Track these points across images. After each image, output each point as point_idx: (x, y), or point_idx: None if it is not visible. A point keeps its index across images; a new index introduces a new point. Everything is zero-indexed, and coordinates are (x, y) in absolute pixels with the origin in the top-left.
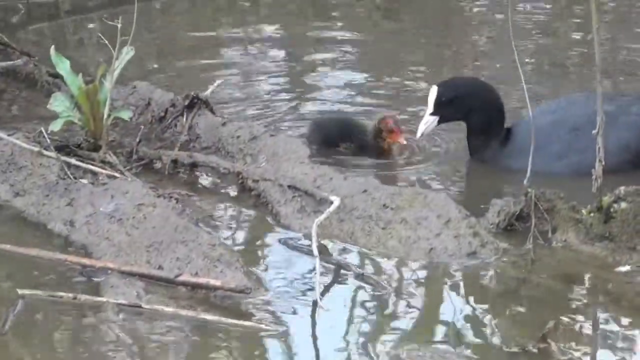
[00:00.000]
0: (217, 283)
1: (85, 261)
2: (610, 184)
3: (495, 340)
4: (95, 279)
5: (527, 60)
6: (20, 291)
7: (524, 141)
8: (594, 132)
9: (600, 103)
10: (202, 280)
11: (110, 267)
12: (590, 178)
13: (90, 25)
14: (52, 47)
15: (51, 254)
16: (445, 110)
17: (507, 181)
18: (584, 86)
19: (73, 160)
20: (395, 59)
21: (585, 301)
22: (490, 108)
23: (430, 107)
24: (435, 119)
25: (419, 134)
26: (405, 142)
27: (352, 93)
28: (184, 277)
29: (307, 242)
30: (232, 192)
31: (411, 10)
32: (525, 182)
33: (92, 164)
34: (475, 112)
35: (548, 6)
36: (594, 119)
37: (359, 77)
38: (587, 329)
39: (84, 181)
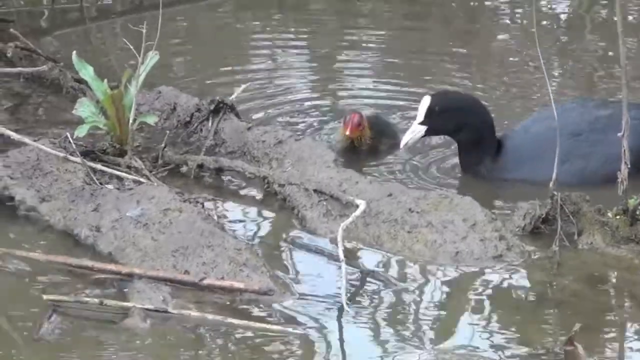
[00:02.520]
0: (241, 285)
1: (112, 267)
2: (632, 187)
3: (522, 342)
4: (122, 284)
5: (552, 61)
6: (45, 296)
7: (517, 151)
8: (619, 134)
9: (626, 105)
10: (226, 283)
11: (136, 273)
12: (593, 183)
13: (116, 31)
14: (74, 52)
15: (78, 261)
16: (434, 121)
17: (503, 194)
18: (609, 89)
19: (99, 166)
20: (421, 60)
21: (611, 304)
22: (481, 124)
23: (420, 116)
24: (423, 129)
25: (403, 143)
26: (347, 134)
27: (380, 95)
28: (208, 281)
29: (333, 246)
30: (258, 196)
31: (435, 11)
32: (551, 185)
33: (118, 169)
34: (466, 127)
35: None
36: (594, 124)
37: (385, 80)
38: (613, 331)
39: (110, 186)
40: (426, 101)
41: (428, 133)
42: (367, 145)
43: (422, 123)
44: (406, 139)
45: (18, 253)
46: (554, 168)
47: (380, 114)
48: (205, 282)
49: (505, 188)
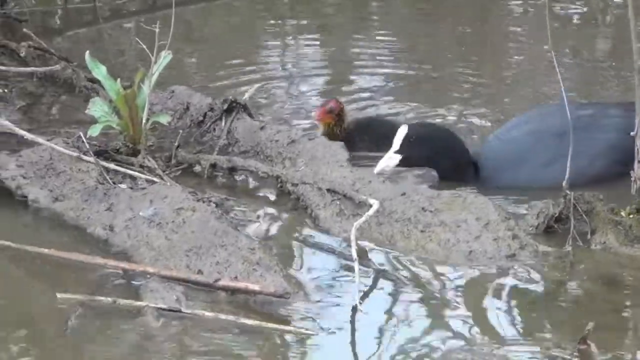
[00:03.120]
0: (256, 287)
1: (125, 265)
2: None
3: (535, 342)
4: (135, 283)
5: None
6: (59, 295)
7: (494, 162)
8: (632, 133)
9: (639, 105)
10: (241, 284)
11: (150, 272)
12: (581, 183)
13: (128, 30)
14: (87, 52)
15: (90, 258)
16: (409, 151)
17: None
18: (621, 86)
19: (112, 165)
20: (435, 57)
21: (625, 303)
22: (455, 156)
23: (396, 145)
24: (398, 158)
25: (377, 169)
26: (316, 119)
27: (392, 97)
28: (223, 282)
29: (346, 245)
30: (271, 195)
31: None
32: (564, 184)
33: (131, 169)
34: (440, 162)
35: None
36: (576, 123)
37: (399, 80)
38: (627, 330)
39: (123, 186)
40: (403, 130)
41: (403, 164)
42: (344, 135)
43: (397, 152)
44: (381, 165)
45: (30, 249)
46: (535, 171)
47: (375, 117)
48: (220, 283)
49: (520, 189)
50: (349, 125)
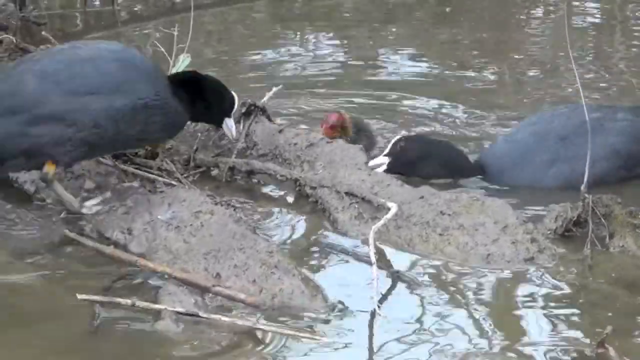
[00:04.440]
0: (242, 296)
1: (150, 264)
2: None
3: (554, 345)
4: (152, 283)
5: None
6: (79, 296)
7: (500, 161)
8: None
9: None
10: (231, 292)
11: (168, 272)
12: (578, 188)
13: (147, 34)
14: None
15: (119, 253)
16: (395, 157)
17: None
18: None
19: (130, 168)
20: (453, 61)
21: None
22: (451, 167)
23: (387, 149)
24: (386, 161)
25: (370, 165)
26: (322, 134)
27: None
28: (218, 288)
29: (364, 249)
30: (290, 199)
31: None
32: (582, 187)
33: (150, 172)
34: (432, 169)
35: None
36: (580, 127)
37: (417, 82)
38: None
39: (142, 189)
40: (395, 139)
41: (388, 167)
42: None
43: (386, 155)
44: (372, 164)
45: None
46: (536, 172)
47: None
48: (215, 289)
49: (535, 191)
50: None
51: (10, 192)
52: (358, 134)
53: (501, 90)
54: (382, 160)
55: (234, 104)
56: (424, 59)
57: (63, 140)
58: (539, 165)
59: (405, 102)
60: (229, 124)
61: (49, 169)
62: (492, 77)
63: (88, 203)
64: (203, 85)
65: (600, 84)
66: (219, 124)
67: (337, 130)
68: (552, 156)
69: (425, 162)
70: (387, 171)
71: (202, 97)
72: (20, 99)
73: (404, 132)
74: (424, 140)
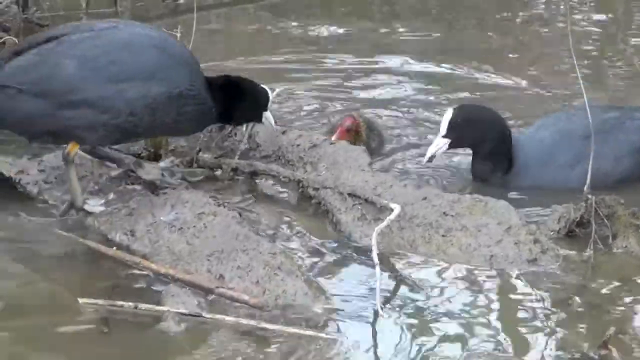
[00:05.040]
0: (245, 297)
1: (153, 266)
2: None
3: (556, 346)
4: (155, 288)
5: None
6: (81, 300)
7: (525, 159)
8: None
9: None
10: (235, 293)
11: (171, 274)
12: (605, 185)
13: None
14: None
15: (122, 255)
16: (457, 134)
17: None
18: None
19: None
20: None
21: None
22: (500, 136)
23: (443, 129)
24: (447, 142)
25: (427, 156)
26: (334, 139)
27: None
28: (221, 290)
29: (367, 250)
30: (292, 200)
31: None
32: (585, 188)
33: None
34: (487, 139)
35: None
36: (602, 126)
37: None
38: None
39: (145, 190)
40: (449, 114)
41: (452, 146)
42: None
43: (445, 136)
44: (431, 151)
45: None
46: (562, 172)
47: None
48: (219, 290)
49: (535, 193)
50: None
51: (14, 193)
52: (370, 135)
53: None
54: (442, 142)
55: (269, 97)
56: (426, 57)
57: (97, 125)
58: (563, 165)
59: (409, 101)
60: (268, 116)
61: (72, 148)
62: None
63: (92, 202)
64: (238, 87)
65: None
66: (259, 119)
67: (352, 134)
68: (577, 156)
69: (484, 134)
70: (450, 148)
71: (239, 98)
72: (58, 83)
73: (449, 108)
74: (479, 110)
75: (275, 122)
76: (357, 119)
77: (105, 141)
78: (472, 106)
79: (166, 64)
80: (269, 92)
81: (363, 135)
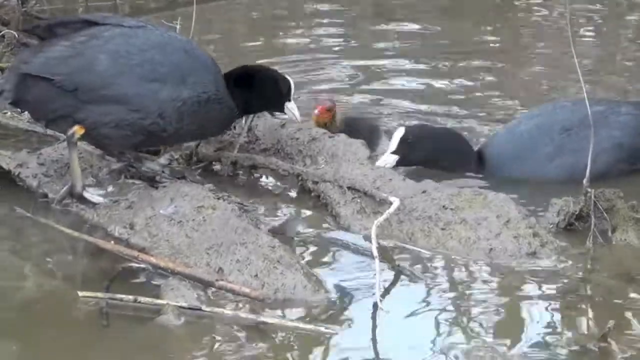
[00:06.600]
0: (247, 290)
1: (152, 259)
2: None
3: (556, 339)
4: (155, 282)
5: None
6: (81, 293)
7: (499, 154)
8: None
9: None
10: (235, 286)
11: (171, 267)
12: (580, 180)
13: None
14: None
15: (118, 247)
16: (406, 152)
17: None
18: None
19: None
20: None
21: None
22: (455, 155)
23: (393, 146)
24: (396, 158)
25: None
26: (315, 117)
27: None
28: (222, 282)
29: (366, 243)
30: (292, 193)
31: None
32: (584, 181)
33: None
34: (439, 159)
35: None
36: (585, 120)
37: (418, 77)
38: None
39: (144, 184)
40: (400, 132)
41: (399, 163)
42: (337, 132)
43: (394, 152)
44: (379, 165)
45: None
46: (539, 164)
47: (358, 117)
48: (219, 283)
49: (537, 185)
50: (340, 123)
51: (13, 186)
52: (370, 133)
53: (501, 86)
54: (390, 158)
55: (291, 87)
56: (424, 56)
57: (124, 123)
58: (541, 157)
59: (404, 100)
60: (292, 107)
61: (78, 131)
62: (492, 73)
63: (91, 190)
64: (257, 77)
65: (604, 79)
66: (281, 109)
67: (330, 115)
68: (556, 148)
69: (437, 152)
70: (398, 165)
71: (258, 88)
72: (92, 76)
73: (401, 124)
74: (431, 129)
75: (274, 115)
76: (335, 105)
77: (128, 141)
78: (425, 126)
79: (195, 68)
80: (291, 81)
81: (336, 122)
